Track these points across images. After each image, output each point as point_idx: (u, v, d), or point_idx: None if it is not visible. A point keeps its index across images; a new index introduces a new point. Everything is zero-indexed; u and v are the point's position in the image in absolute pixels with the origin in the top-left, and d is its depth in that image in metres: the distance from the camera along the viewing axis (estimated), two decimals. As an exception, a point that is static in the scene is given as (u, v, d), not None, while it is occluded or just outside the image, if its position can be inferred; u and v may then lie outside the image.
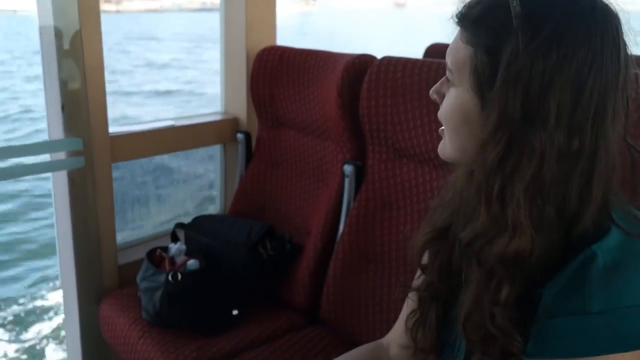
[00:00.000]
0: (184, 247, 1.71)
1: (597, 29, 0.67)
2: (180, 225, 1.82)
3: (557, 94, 0.65)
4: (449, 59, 0.76)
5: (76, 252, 1.72)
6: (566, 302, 0.66)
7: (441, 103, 0.79)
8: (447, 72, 0.77)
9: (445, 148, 0.79)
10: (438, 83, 0.80)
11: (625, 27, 0.69)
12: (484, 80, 0.70)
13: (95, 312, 1.73)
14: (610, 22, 0.68)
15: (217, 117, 2.06)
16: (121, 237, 1.91)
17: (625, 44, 0.69)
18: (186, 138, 1.95)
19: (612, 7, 0.70)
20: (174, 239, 1.81)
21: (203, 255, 1.69)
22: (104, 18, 1.61)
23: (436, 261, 0.87)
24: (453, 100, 0.75)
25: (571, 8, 0.67)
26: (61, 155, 1.66)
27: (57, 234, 1.78)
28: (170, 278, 1.57)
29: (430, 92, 0.81)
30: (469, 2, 0.74)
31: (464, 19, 0.73)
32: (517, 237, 0.67)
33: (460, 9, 0.74)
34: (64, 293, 1.84)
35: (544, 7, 0.68)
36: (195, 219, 1.85)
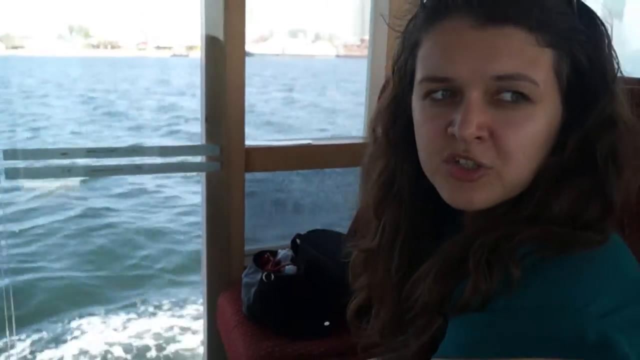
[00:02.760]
0: (290, 253, 1.83)
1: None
2: (298, 236, 1.96)
3: None
4: (519, 69, 0.63)
5: (207, 248, 1.98)
6: None
7: (491, 136, 0.64)
8: (521, 86, 0.63)
9: (504, 188, 0.67)
10: (476, 113, 0.63)
11: None
12: (572, 86, 0.66)
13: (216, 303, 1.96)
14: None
15: (357, 141, 2.16)
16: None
17: None
18: (322, 158, 2.09)
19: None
20: (294, 247, 1.95)
21: (306, 263, 1.79)
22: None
23: None
24: (542, 118, 0.65)
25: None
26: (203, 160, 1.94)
27: (202, 228, 2.06)
28: (264, 277, 1.70)
29: (470, 130, 0.63)
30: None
31: (528, 15, 0.63)
32: None
33: (498, 3, 0.64)
34: (202, 282, 2.11)
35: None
36: (311, 231, 1.96)
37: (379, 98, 1.75)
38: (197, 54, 1.95)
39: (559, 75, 0.65)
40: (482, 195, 0.66)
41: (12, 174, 1.67)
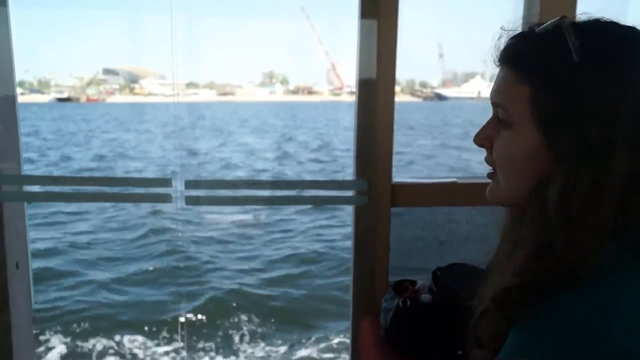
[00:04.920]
0: (428, 283, 1.93)
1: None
2: (438, 268, 2.04)
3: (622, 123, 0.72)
4: (501, 100, 0.82)
5: (355, 275, 2.15)
6: None
7: (490, 147, 0.88)
8: (501, 113, 0.83)
9: (501, 191, 0.88)
10: (485, 128, 0.88)
11: None
12: (551, 116, 0.76)
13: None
14: None
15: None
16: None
17: None
18: (466, 196, 2.16)
19: None
20: (434, 278, 2.04)
21: (442, 293, 1.87)
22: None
23: None
24: (515, 140, 0.81)
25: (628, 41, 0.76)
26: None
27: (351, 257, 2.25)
28: (400, 303, 1.83)
29: (477, 139, 0.90)
30: (512, 41, 0.82)
31: (513, 57, 0.81)
32: None
33: (502, 48, 0.83)
34: (350, 305, 2.28)
35: (602, 41, 0.75)
36: (450, 265, 2.03)
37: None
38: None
39: (534, 107, 0.77)
40: (489, 193, 0.91)
41: (191, 201, 2.02)
